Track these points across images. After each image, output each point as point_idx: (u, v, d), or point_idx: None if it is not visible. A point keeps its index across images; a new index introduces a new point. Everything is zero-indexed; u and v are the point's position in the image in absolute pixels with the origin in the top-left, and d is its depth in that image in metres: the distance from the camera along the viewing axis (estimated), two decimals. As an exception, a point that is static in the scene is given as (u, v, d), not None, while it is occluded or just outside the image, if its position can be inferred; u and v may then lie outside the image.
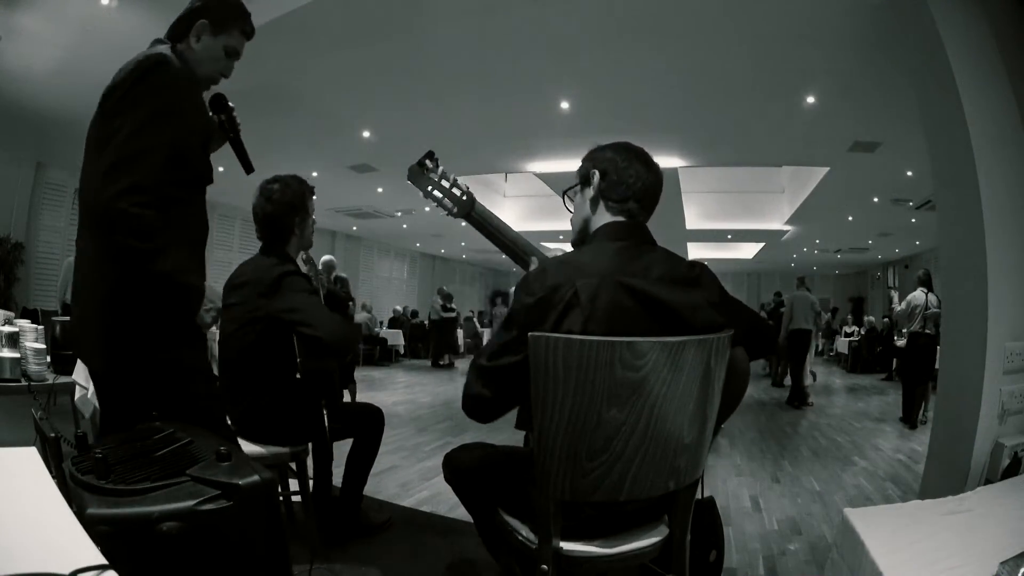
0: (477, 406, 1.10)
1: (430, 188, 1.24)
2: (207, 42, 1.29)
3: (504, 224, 1.31)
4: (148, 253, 1.13)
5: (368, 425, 2.29)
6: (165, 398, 1.20)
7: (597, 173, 1.18)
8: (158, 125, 1.15)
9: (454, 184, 1.24)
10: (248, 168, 1.42)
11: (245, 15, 1.33)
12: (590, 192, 1.19)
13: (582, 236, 1.22)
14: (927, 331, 5.23)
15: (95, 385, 1.38)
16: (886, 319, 9.37)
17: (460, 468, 1.36)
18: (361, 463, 2.31)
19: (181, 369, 1.24)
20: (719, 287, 1.18)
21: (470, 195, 1.26)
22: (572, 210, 1.26)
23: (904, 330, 5.52)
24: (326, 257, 5.29)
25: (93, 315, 1.23)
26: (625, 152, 1.19)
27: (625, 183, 1.16)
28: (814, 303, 6.84)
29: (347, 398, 4.78)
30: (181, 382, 1.24)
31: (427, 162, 1.23)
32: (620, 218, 1.17)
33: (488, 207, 1.33)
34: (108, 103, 1.17)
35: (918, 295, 5.37)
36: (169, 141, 1.16)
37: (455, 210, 1.27)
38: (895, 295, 5.87)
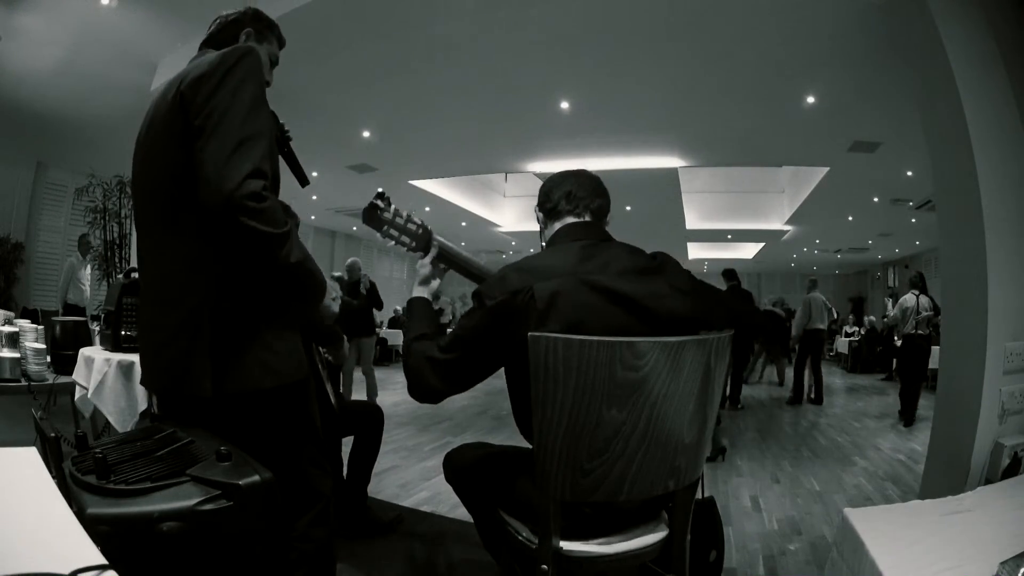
0: (426, 393, 1.15)
1: (385, 227, 1.26)
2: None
3: (464, 253, 1.36)
4: (280, 239, 1.03)
5: (368, 423, 2.31)
6: (275, 426, 1.13)
7: (537, 208, 1.32)
8: (261, 110, 1.09)
9: (408, 220, 1.26)
10: (303, 180, 1.39)
11: (276, 25, 1.38)
12: (543, 223, 1.31)
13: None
14: (920, 332, 5.46)
15: (168, 411, 1.22)
16: (885, 319, 9.47)
17: (460, 468, 1.36)
18: (364, 461, 2.33)
19: (295, 392, 1.17)
20: (686, 274, 1.20)
21: (426, 228, 1.29)
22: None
23: (901, 331, 5.73)
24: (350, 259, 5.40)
25: (192, 330, 1.09)
26: (549, 179, 1.32)
27: (556, 195, 1.27)
28: (826, 303, 7.04)
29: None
30: (294, 407, 1.18)
31: (379, 203, 1.25)
32: (572, 218, 1.25)
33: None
34: (199, 90, 1.07)
35: (909, 298, 5.59)
36: (268, 129, 1.10)
37: (413, 244, 1.29)
38: (889, 302, 6.10)
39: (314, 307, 1.19)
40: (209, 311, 1.08)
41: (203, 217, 1.03)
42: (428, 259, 1.32)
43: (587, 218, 1.25)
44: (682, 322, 1.09)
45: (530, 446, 1.20)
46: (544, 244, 1.30)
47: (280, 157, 1.34)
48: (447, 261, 1.33)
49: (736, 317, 1.21)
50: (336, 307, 1.23)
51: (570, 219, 1.25)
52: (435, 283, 1.33)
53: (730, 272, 5.53)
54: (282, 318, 1.16)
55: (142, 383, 1.23)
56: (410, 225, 1.26)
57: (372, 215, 1.26)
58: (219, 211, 0.99)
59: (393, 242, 1.28)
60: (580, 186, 1.27)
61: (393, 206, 1.24)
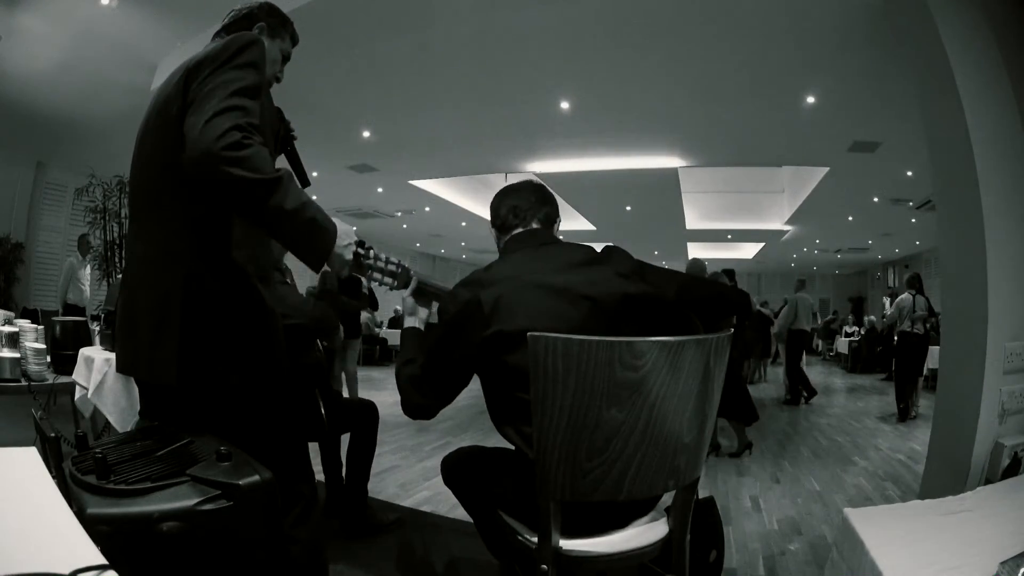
0: (414, 409, 1.24)
1: (369, 272, 1.40)
2: (267, 44, 1.28)
3: (440, 283, 1.49)
4: (267, 184, 0.97)
5: (363, 419, 2.31)
6: (244, 421, 1.10)
7: (490, 226, 1.42)
8: (255, 95, 1.07)
9: (387, 262, 1.41)
10: (305, 181, 1.42)
11: (290, 22, 1.37)
12: (497, 239, 1.40)
13: None
14: (915, 331, 5.59)
15: (147, 402, 1.22)
16: (883, 318, 9.53)
17: (458, 471, 1.37)
18: (362, 458, 2.33)
19: (265, 388, 1.15)
20: (633, 260, 1.26)
21: (404, 267, 1.45)
22: None
23: (897, 330, 5.88)
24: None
25: (162, 318, 1.07)
26: (495, 196, 1.41)
27: (503, 211, 1.36)
28: (812, 305, 7.13)
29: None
30: (263, 404, 1.15)
31: (360, 251, 1.37)
32: (519, 229, 1.34)
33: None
34: (198, 72, 1.07)
35: (906, 297, 5.72)
36: (258, 111, 1.07)
37: (395, 284, 1.42)
38: (886, 301, 6.25)
39: (322, 258, 1.11)
40: (181, 299, 1.07)
41: (186, 203, 1.03)
42: (409, 292, 1.42)
43: (535, 226, 1.34)
44: (631, 303, 1.16)
45: (511, 446, 1.22)
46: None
47: (284, 157, 1.35)
48: (427, 293, 1.44)
49: (690, 289, 1.25)
50: (350, 254, 1.16)
51: (518, 230, 1.34)
52: (423, 312, 1.42)
53: (729, 272, 5.56)
54: (258, 314, 1.15)
55: (118, 369, 1.22)
56: (390, 266, 1.40)
57: (356, 262, 1.38)
58: (199, 168, 0.96)
59: (378, 283, 1.40)
60: (524, 198, 1.36)
61: (372, 251, 1.37)
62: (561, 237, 1.41)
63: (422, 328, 1.40)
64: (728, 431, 4.24)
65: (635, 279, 1.20)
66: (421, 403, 1.22)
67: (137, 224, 1.20)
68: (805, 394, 6.66)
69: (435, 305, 1.44)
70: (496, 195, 1.42)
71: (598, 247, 1.33)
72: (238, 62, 1.08)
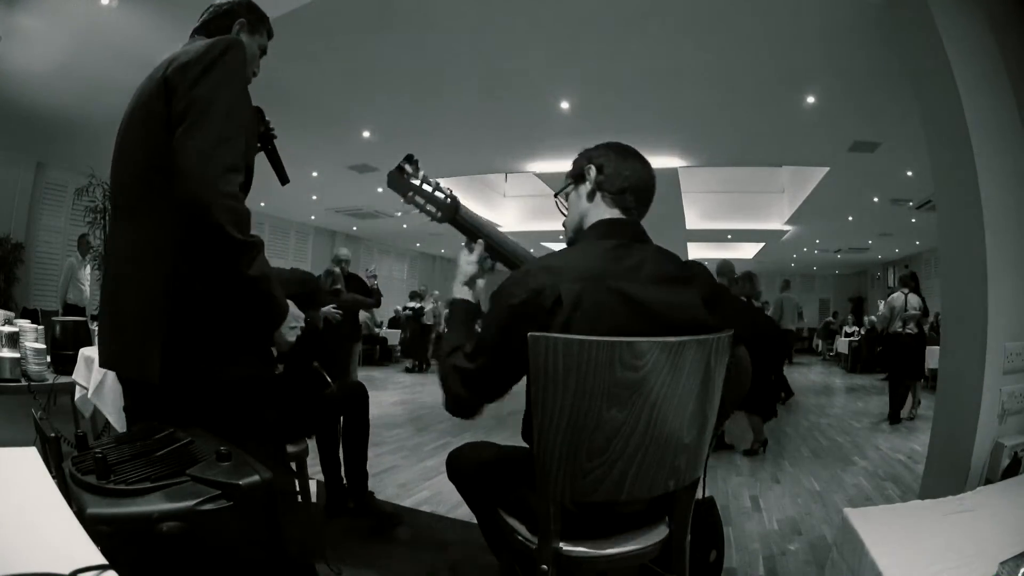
0: (456, 405, 1.12)
1: (411, 193, 1.18)
2: (247, 40, 1.29)
3: (495, 228, 1.26)
4: (240, 246, 1.04)
5: (353, 401, 2.31)
6: (223, 417, 1.09)
7: (594, 167, 1.18)
8: (242, 106, 1.10)
9: (437, 188, 1.18)
10: (283, 179, 1.41)
11: (267, 17, 1.39)
12: (586, 187, 1.19)
13: (577, 235, 1.20)
14: (908, 331, 5.45)
15: (130, 399, 1.24)
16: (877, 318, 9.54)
17: (463, 467, 1.36)
18: (358, 440, 2.33)
19: (247, 386, 1.16)
20: (712, 285, 1.16)
21: (454, 198, 1.20)
22: (566, 211, 1.24)
23: (889, 330, 5.75)
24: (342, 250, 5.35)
25: (147, 315, 1.09)
26: (621, 149, 1.20)
27: (622, 175, 1.16)
28: (797, 304, 7.25)
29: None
30: (244, 401, 1.16)
31: (407, 166, 1.16)
32: (615, 211, 1.16)
33: (488, 207, 1.31)
34: (184, 76, 1.07)
35: (898, 296, 5.61)
36: (245, 126, 1.10)
37: (439, 215, 1.20)
38: (881, 303, 6.17)
39: (267, 331, 1.16)
40: (165, 297, 1.08)
41: (171, 204, 1.04)
42: (475, 256, 1.24)
43: (634, 216, 1.17)
44: (699, 331, 1.07)
45: (521, 444, 1.19)
46: (564, 200, 1.24)
47: (264, 155, 1.35)
48: (499, 256, 1.24)
49: (756, 332, 1.19)
50: (292, 337, 1.16)
51: (618, 213, 1.16)
52: (480, 283, 1.25)
53: (752, 276, 5.58)
54: (242, 313, 1.15)
55: (100, 363, 1.23)
56: (437, 193, 1.19)
57: (398, 179, 1.19)
58: (193, 204, 1.01)
59: (417, 210, 1.21)
60: (648, 182, 1.18)
61: (422, 172, 1.17)
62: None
63: (473, 302, 1.22)
64: (729, 431, 4.25)
65: (712, 308, 1.11)
66: (466, 399, 1.09)
67: (120, 220, 1.20)
68: (783, 394, 6.67)
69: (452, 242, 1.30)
70: (622, 149, 1.20)
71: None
72: (224, 66, 1.09)
